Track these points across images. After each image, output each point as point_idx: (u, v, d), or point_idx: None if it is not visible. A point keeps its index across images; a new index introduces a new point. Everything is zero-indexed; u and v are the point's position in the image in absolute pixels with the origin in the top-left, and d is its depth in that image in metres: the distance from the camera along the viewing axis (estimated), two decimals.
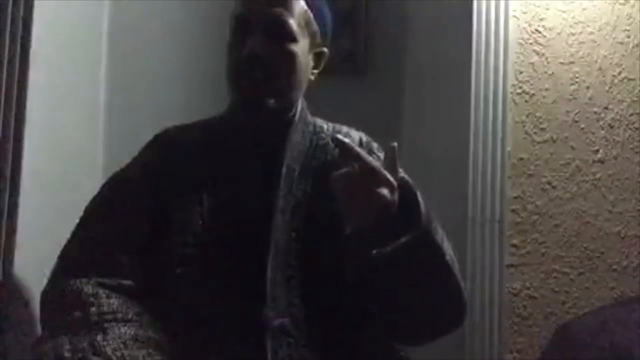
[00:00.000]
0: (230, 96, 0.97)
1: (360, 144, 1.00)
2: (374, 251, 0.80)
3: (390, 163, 0.80)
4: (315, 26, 0.97)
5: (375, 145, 1.02)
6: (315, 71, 1.00)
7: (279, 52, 0.91)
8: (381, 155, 0.98)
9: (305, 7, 0.95)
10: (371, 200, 0.77)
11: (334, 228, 0.89)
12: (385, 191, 0.77)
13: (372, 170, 0.77)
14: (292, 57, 0.93)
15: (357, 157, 0.78)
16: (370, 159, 0.78)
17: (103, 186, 0.97)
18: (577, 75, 1.59)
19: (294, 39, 0.92)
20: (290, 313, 0.84)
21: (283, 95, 0.94)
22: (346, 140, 0.79)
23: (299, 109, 1.00)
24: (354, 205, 0.78)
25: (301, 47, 0.94)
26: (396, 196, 0.79)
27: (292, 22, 0.92)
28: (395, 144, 0.81)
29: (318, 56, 1.00)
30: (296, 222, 0.90)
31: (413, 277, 0.82)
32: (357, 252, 0.81)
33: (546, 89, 1.57)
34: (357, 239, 0.80)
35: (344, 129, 1.03)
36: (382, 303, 0.85)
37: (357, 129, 1.05)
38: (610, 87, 1.61)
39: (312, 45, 0.97)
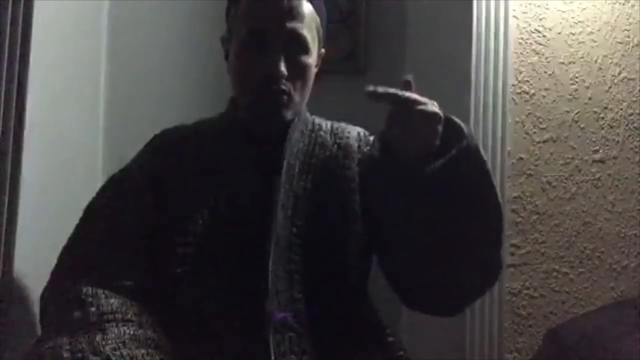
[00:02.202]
0: (242, 104, 0.97)
1: (359, 137, 1.01)
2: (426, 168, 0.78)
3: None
4: (321, 31, 0.98)
5: (372, 138, 1.03)
6: (315, 70, 1.01)
7: (297, 67, 0.93)
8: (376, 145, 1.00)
9: (314, 14, 0.96)
10: (431, 122, 0.77)
11: (334, 224, 0.90)
12: (437, 109, 0.77)
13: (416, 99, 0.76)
14: (307, 70, 0.95)
15: (391, 96, 0.76)
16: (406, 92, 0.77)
17: (103, 186, 0.98)
18: (577, 75, 1.59)
19: (308, 52, 0.94)
20: (292, 308, 0.84)
21: (297, 106, 0.96)
22: (377, 89, 0.75)
23: None
24: (416, 129, 0.77)
25: (313, 58, 0.96)
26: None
27: (309, 35, 0.94)
28: (411, 76, 0.81)
29: (318, 59, 1.02)
30: (297, 217, 0.90)
31: (465, 189, 0.80)
32: (411, 176, 0.79)
33: (546, 89, 1.57)
34: (414, 163, 0.79)
35: (342, 125, 1.04)
36: (429, 230, 0.81)
37: None
38: (610, 87, 1.61)
39: (319, 49, 1.00)
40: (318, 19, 0.97)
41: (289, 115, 0.94)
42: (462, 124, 0.81)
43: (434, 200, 0.79)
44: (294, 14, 0.92)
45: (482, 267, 0.86)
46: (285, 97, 0.92)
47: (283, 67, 0.90)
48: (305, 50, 0.94)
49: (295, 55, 0.93)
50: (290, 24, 0.91)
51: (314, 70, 0.98)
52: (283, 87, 0.91)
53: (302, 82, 0.95)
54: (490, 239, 0.85)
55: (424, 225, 0.81)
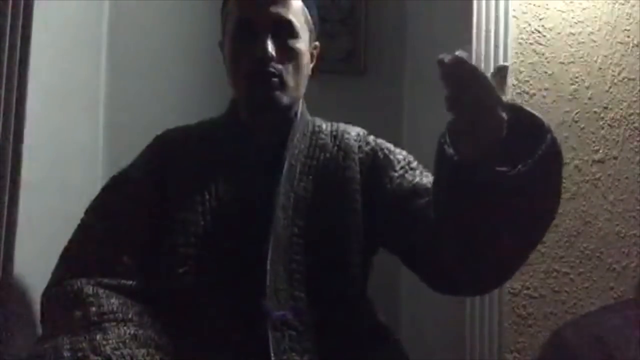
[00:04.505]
0: (240, 97, 0.98)
1: (359, 137, 1.02)
2: (507, 170, 0.71)
3: (500, 83, 0.72)
4: (311, 22, 0.99)
5: (371, 138, 1.03)
6: (311, 66, 1.02)
7: (287, 50, 0.94)
8: (377, 143, 1.01)
9: (302, 5, 0.97)
10: (495, 117, 0.69)
11: (335, 223, 0.90)
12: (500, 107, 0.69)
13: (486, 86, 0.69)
14: (298, 54, 0.95)
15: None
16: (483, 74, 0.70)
17: (104, 187, 0.98)
18: (577, 75, 1.59)
19: (297, 36, 0.95)
20: (293, 306, 0.84)
21: (293, 92, 0.96)
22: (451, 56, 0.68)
23: (299, 108, 1.01)
24: (481, 120, 0.70)
25: (304, 44, 0.96)
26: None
27: (295, 20, 0.94)
28: (508, 64, 0.72)
29: (312, 50, 1.03)
30: (298, 218, 0.90)
31: (541, 189, 0.73)
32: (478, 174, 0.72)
33: (546, 89, 1.57)
34: (481, 160, 0.72)
35: (342, 126, 1.04)
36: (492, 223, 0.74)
37: None
38: (610, 87, 1.61)
39: (310, 41, 1.00)
40: (307, 11, 0.98)
41: (284, 99, 0.94)
42: (545, 122, 0.74)
43: (513, 200, 0.72)
44: (278, 1, 0.93)
45: (530, 245, 0.79)
46: (276, 79, 0.92)
47: (271, 49, 0.91)
48: (293, 34, 0.94)
49: (283, 39, 0.93)
50: (274, 9, 0.93)
51: (307, 56, 0.98)
52: (273, 69, 0.92)
53: (294, 65, 0.95)
54: (546, 224, 0.78)
55: (489, 219, 0.74)
